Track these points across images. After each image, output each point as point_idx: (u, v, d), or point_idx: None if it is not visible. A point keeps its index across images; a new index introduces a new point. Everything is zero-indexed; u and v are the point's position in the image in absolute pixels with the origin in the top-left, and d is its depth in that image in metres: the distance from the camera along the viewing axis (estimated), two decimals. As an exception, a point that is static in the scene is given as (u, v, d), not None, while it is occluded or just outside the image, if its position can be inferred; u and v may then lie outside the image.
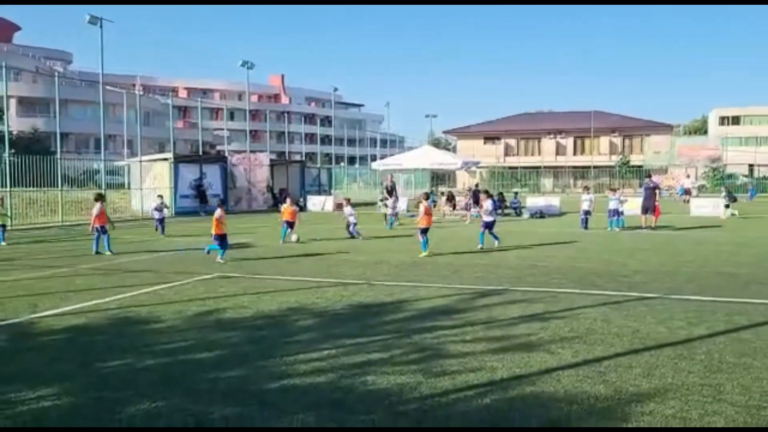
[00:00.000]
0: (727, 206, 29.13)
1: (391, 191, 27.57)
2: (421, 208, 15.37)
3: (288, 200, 19.71)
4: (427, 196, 16.52)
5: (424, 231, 15.10)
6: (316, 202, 38.02)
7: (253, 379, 5.95)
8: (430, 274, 12.25)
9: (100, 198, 16.87)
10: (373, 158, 56.90)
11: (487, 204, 16.64)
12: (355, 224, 19.70)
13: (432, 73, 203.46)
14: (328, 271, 12.86)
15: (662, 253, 15.29)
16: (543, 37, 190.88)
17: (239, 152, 48.39)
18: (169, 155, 34.71)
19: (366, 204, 41.59)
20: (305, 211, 35.26)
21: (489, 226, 16.41)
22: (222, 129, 77.98)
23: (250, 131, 55.70)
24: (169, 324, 8.31)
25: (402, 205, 29.97)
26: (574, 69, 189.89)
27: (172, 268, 13.27)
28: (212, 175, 35.96)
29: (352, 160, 75.07)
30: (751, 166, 75.92)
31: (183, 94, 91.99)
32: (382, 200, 29.90)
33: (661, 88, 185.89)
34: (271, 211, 35.06)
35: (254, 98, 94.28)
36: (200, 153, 41.29)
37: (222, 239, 14.23)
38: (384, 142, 78.11)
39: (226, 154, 45.77)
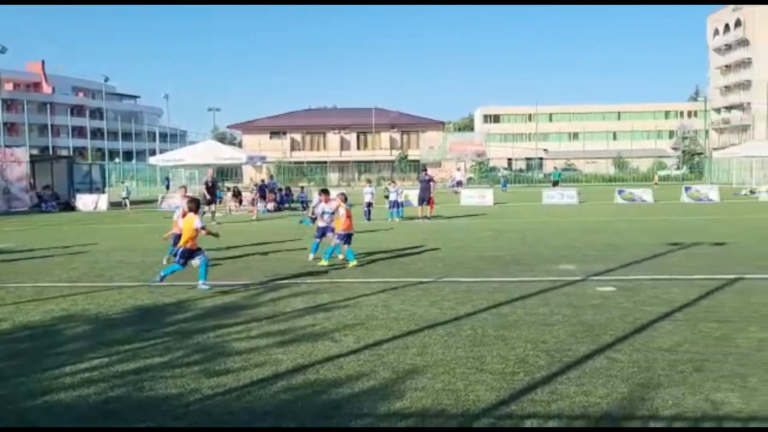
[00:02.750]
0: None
1: (212, 188, 25.65)
2: (342, 210, 12.48)
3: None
4: (345, 198, 13.15)
5: (347, 237, 12.48)
6: (87, 202, 34.88)
7: (9, 399, 5.31)
8: (214, 271, 11.90)
9: None
10: (152, 153, 53.73)
11: (319, 208, 13.51)
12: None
13: (214, 65, 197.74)
14: (101, 274, 11.90)
15: (436, 241, 16.48)
16: (324, 34, 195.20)
17: (-9, 147, 42.72)
18: None
19: (145, 202, 39.24)
20: (75, 211, 32.30)
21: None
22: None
23: (5, 124, 49.46)
24: None
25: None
26: (358, 65, 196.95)
27: None
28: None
29: (128, 155, 70.21)
30: (509, 160, 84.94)
31: None
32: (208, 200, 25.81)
33: (435, 86, 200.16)
34: (34, 213, 31.58)
35: (9, 86, 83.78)
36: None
37: None
38: (164, 137, 74.32)
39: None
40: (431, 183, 24.29)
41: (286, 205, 32.50)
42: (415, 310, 8.30)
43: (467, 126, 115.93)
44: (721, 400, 4.98)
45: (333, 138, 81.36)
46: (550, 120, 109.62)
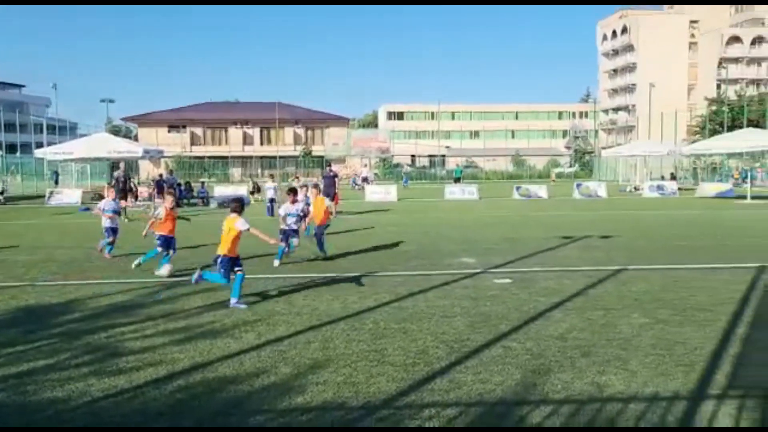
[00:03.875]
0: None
1: (125, 184, 23.98)
2: (327, 202, 11.42)
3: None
4: (318, 188, 12.80)
5: (322, 231, 12.21)
6: (-36, 197, 32.40)
7: None
8: (105, 269, 11.38)
9: None
10: (39, 146, 50.54)
11: (283, 209, 12.29)
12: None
13: (107, 53, 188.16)
14: (-20, 274, 11.08)
15: (340, 236, 16.49)
16: (226, 26, 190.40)
17: None
18: None
19: (29, 197, 36.91)
20: (-49, 207, 29.90)
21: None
22: None
23: None
24: None
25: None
26: (261, 59, 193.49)
27: None
28: None
29: (12, 147, 65.67)
30: (413, 156, 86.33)
31: None
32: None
33: (339, 83, 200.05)
34: None
35: None
36: None
37: None
38: (53, 129, 69.95)
39: None
40: (336, 179, 24.30)
41: (186, 201, 31.49)
42: (318, 305, 8.27)
43: (371, 122, 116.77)
44: (605, 383, 5.29)
45: (235, 133, 79.68)
46: (453, 118, 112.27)
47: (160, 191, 29.35)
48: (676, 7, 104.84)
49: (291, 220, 11.94)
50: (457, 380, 5.38)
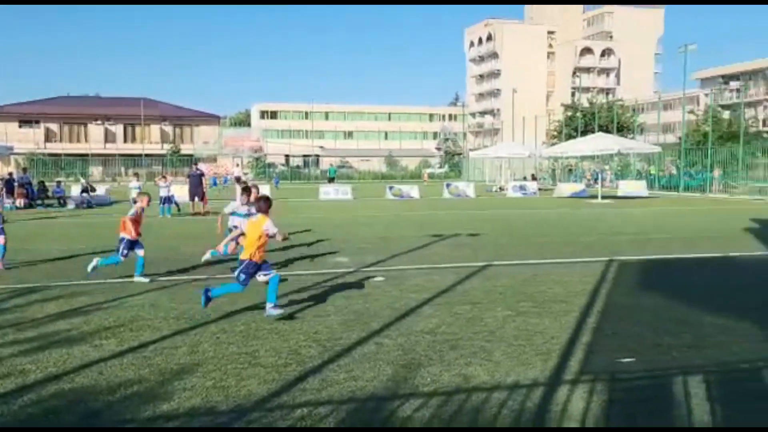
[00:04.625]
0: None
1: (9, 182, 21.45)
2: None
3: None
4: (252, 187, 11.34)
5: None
6: None
7: None
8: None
9: None
10: None
11: (229, 208, 11.59)
12: None
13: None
14: None
15: (210, 237, 15.97)
16: (86, 16, 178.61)
17: None
18: None
19: None
20: None
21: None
22: None
23: None
24: None
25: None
26: (124, 52, 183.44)
27: None
28: None
29: None
30: (287, 156, 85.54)
31: None
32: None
33: (210, 80, 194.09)
34: None
35: None
36: None
37: None
38: None
39: None
40: (203, 178, 23.59)
41: (39, 202, 29.21)
42: (187, 309, 7.97)
43: (244, 121, 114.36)
44: (471, 374, 5.51)
45: (96, 129, 75.10)
46: (327, 118, 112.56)
47: (10, 191, 27.08)
48: (536, 17, 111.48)
49: (236, 221, 10.84)
50: (330, 379, 5.38)
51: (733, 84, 66.95)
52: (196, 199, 23.33)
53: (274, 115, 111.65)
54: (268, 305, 7.38)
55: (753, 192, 36.10)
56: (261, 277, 7.48)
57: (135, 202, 12.00)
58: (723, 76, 71.60)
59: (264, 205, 7.69)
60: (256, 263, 7.45)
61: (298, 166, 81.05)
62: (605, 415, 4.64)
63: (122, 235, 9.95)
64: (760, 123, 53.87)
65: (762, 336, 6.76)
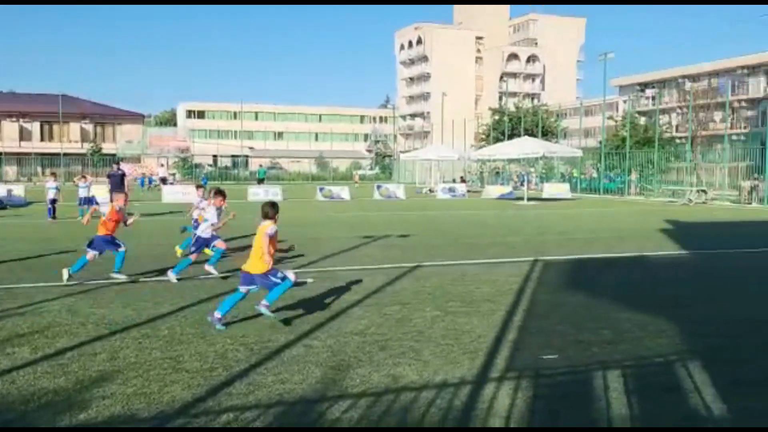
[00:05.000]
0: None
1: None
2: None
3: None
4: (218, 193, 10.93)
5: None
6: None
7: None
8: None
9: None
10: None
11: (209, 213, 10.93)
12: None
13: None
14: None
15: (133, 238, 15.43)
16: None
17: None
18: None
19: None
20: None
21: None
22: None
23: None
24: None
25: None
26: (41, 48, 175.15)
27: None
28: None
29: None
30: (215, 156, 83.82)
31: None
32: None
33: (134, 77, 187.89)
34: None
35: None
36: None
37: None
38: None
39: None
40: (124, 177, 22.81)
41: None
42: (107, 313, 7.67)
43: (170, 120, 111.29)
44: (400, 374, 5.54)
45: (10, 126, 71.40)
46: (256, 118, 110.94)
47: None
48: (465, 23, 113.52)
49: (203, 227, 10.52)
50: (257, 382, 5.29)
51: (649, 92, 70.15)
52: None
53: (201, 114, 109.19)
54: (263, 304, 6.99)
55: (667, 194, 37.96)
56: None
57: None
58: (640, 84, 74.89)
59: (272, 211, 7.25)
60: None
61: (226, 167, 79.50)
62: (530, 411, 4.75)
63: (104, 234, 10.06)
64: (674, 129, 56.63)
65: (675, 331, 7.10)
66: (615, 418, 4.67)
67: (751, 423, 4.60)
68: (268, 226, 7.12)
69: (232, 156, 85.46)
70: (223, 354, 6.08)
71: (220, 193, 10.87)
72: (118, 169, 23.09)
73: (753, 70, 62.97)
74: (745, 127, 60.87)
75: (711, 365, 5.84)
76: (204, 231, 10.52)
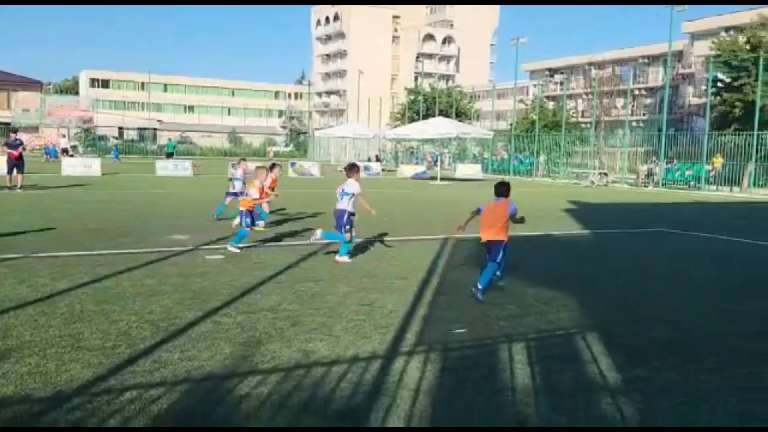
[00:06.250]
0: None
1: None
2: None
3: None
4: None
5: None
6: None
7: None
8: None
9: None
10: None
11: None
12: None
13: None
14: None
15: (30, 213, 14.60)
16: None
17: None
18: None
19: None
20: None
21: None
22: None
23: None
24: None
25: None
26: None
27: None
28: None
29: None
30: (121, 129, 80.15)
31: None
32: None
33: (31, 42, 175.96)
34: None
35: None
36: None
37: None
38: None
39: None
40: (22, 148, 21.42)
41: None
42: (-1, 291, 7.21)
43: (71, 89, 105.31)
44: (311, 350, 5.52)
45: None
46: (165, 90, 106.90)
47: None
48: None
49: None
50: (163, 359, 5.13)
51: (558, 77, 72.65)
52: (15, 171, 21.10)
53: (105, 84, 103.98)
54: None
55: (571, 177, 39.63)
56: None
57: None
58: (549, 69, 77.43)
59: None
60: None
61: (132, 140, 76.23)
62: (438, 383, 4.85)
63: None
64: (580, 114, 58.99)
65: (575, 305, 7.45)
66: (519, 387, 4.85)
67: (641, 389, 4.90)
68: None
69: (139, 129, 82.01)
70: (127, 331, 5.86)
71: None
72: (16, 139, 21.62)
73: (653, 60, 66.44)
74: (644, 114, 64.33)
75: (608, 337, 6.17)
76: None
